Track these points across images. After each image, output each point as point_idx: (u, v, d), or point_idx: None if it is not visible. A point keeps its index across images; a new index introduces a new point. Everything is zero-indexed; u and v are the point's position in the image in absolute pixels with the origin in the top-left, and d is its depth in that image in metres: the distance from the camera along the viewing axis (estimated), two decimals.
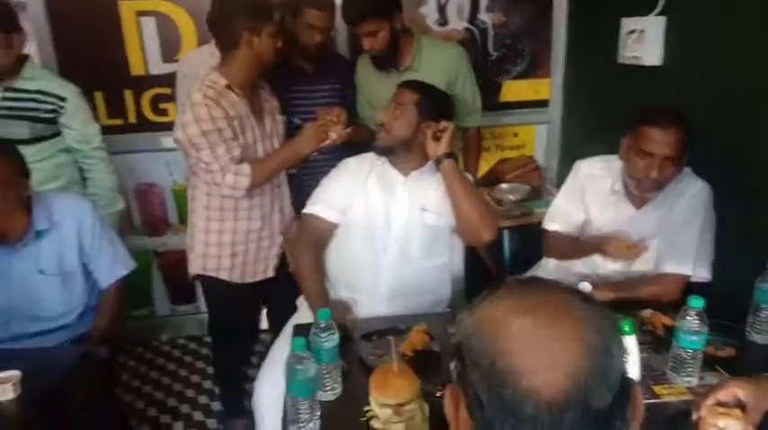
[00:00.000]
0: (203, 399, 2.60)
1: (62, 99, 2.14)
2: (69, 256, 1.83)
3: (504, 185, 2.81)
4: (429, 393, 1.26)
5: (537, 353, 0.57)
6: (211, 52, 2.22)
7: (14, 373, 1.43)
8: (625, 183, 1.83)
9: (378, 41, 2.19)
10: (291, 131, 2.11)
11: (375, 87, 2.35)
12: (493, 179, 2.97)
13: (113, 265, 1.91)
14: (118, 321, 1.93)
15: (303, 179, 2.20)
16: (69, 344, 1.75)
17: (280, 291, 2.15)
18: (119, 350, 2.49)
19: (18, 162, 1.72)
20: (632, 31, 2.26)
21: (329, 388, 1.36)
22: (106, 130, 2.72)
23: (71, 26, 2.64)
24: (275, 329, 2.06)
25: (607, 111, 2.64)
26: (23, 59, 2.13)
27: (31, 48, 2.47)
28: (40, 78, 2.15)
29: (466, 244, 1.94)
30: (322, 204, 1.84)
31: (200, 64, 2.18)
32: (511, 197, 2.71)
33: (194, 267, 2.05)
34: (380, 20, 2.15)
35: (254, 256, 2.06)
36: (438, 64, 2.32)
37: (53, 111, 2.14)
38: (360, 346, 1.54)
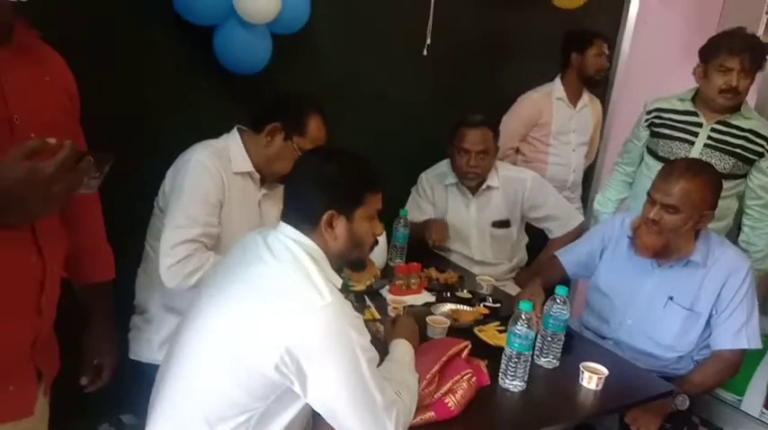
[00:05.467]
0: None
1: None
2: (703, 300, 1.75)
3: None
4: None
5: None
6: None
7: (604, 370, 1.48)
8: None
9: None
10: None
11: None
12: None
13: (738, 333, 1.72)
14: (715, 386, 1.74)
15: None
16: (656, 375, 1.69)
17: None
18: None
19: (717, 192, 1.71)
20: None
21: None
22: None
23: None
24: None
25: None
26: (743, 99, 2.13)
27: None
28: (754, 119, 2.12)
29: None
30: None
31: None
32: None
33: None
34: None
35: None
36: None
37: (759, 153, 2.09)
38: None
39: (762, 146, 2.09)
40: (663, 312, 1.80)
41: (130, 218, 1.81)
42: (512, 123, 2.74)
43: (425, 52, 2.55)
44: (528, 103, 2.75)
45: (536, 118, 2.73)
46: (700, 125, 2.17)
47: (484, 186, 2.35)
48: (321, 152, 1.33)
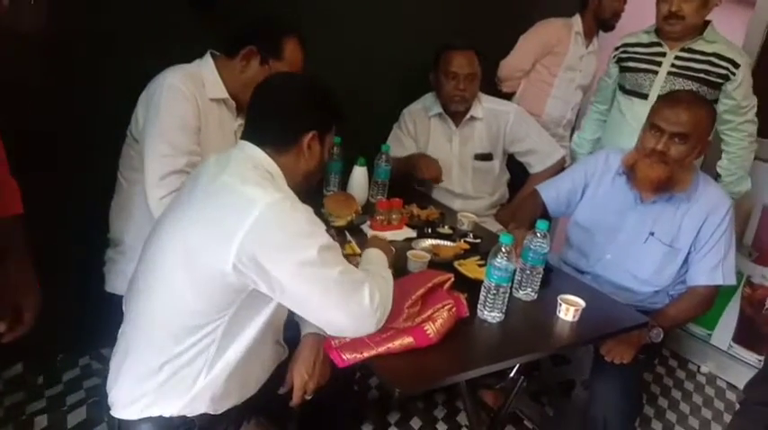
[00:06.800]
0: None
1: (736, 65, 2.06)
2: (683, 236, 1.76)
3: None
4: None
5: None
6: None
7: (581, 302, 1.50)
8: None
9: None
10: None
11: None
12: None
13: (714, 270, 1.74)
14: (689, 320, 1.78)
15: None
16: (633, 308, 1.71)
17: None
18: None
19: (712, 117, 1.71)
20: None
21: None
22: None
23: None
24: None
25: None
26: (707, 23, 2.12)
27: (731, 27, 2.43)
28: (718, 42, 2.10)
29: None
30: None
31: None
32: None
33: None
34: None
35: None
36: None
37: (723, 76, 2.08)
38: None
39: (726, 68, 2.07)
40: (643, 247, 1.81)
41: (101, 148, 1.75)
42: (529, 44, 2.72)
43: None
44: (550, 28, 2.72)
45: (554, 44, 2.70)
46: (663, 54, 2.17)
47: (468, 116, 2.31)
48: (296, 75, 1.37)
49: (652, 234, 1.79)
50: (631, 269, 1.84)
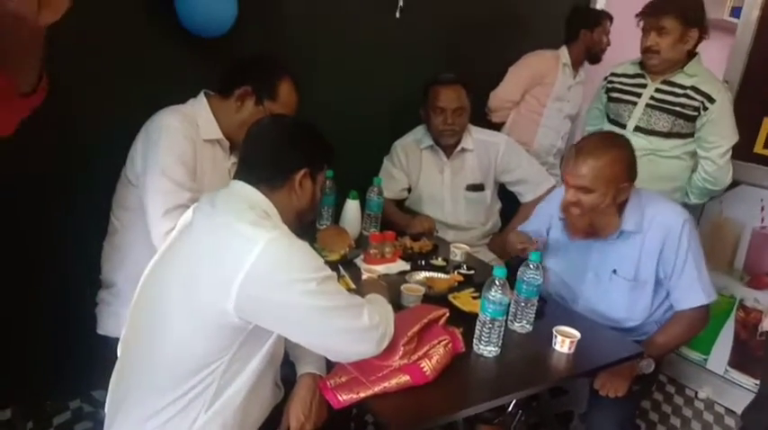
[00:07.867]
0: None
1: (711, 100, 2.09)
2: (646, 266, 1.72)
3: None
4: None
5: None
6: None
7: (576, 334, 1.50)
8: None
9: None
10: None
11: None
12: None
13: (695, 291, 1.70)
14: (680, 345, 1.77)
15: None
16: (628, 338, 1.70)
17: None
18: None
19: (631, 162, 1.66)
20: None
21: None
22: (759, 159, 2.52)
23: None
24: None
25: None
26: (692, 56, 2.15)
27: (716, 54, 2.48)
28: (698, 76, 2.13)
29: None
30: None
31: None
32: None
33: None
34: None
35: None
36: None
37: (697, 109, 2.10)
38: None
39: (701, 102, 2.09)
40: (609, 286, 1.77)
41: (94, 190, 1.75)
42: (519, 75, 2.77)
43: (398, 15, 2.48)
44: (539, 59, 2.78)
45: (543, 75, 2.76)
46: (644, 86, 2.22)
47: (459, 148, 2.34)
48: (286, 117, 1.44)
49: (614, 272, 1.76)
50: (605, 311, 1.79)
